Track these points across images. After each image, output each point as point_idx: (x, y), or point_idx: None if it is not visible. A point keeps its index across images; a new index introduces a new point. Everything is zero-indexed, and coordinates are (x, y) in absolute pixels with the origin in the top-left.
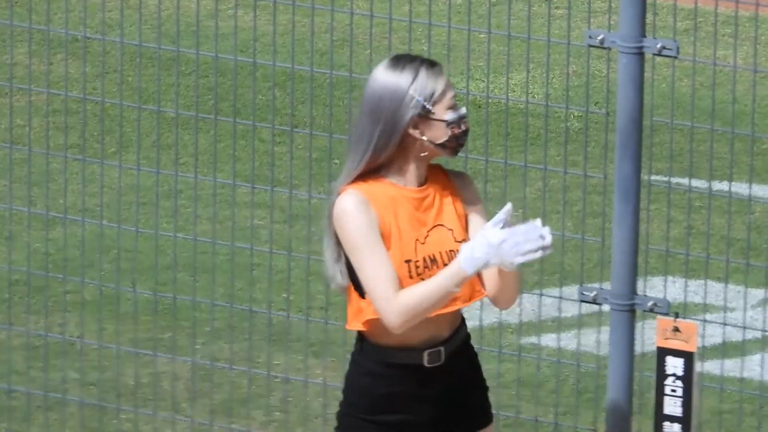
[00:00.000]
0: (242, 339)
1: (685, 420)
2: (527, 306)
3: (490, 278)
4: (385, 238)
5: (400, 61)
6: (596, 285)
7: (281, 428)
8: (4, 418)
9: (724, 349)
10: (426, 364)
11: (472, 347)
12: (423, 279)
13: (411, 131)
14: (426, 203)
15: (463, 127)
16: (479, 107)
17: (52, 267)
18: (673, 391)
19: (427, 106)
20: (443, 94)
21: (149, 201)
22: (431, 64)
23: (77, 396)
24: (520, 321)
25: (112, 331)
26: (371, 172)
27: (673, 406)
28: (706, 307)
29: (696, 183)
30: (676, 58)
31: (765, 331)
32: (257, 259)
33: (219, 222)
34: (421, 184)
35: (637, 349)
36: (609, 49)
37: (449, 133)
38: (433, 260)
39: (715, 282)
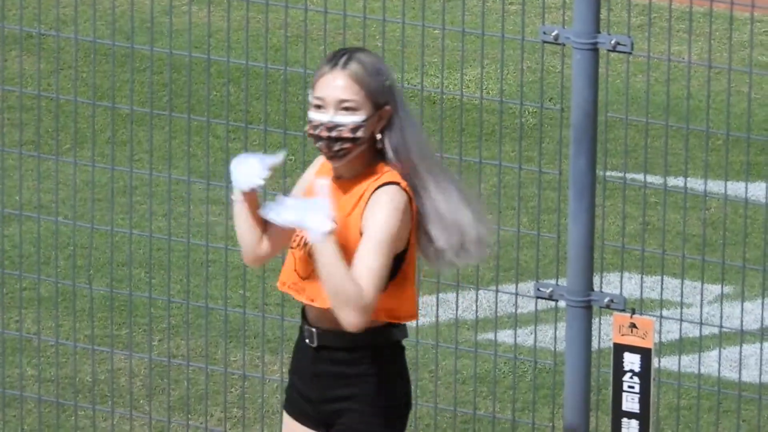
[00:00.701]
0: (199, 335)
1: (642, 416)
2: (483, 302)
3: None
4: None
5: (336, 51)
6: (552, 281)
7: (238, 424)
8: None
9: (681, 345)
10: (305, 338)
11: (363, 363)
12: (294, 256)
13: None
14: (335, 196)
15: (314, 131)
16: (434, 103)
17: (8, 264)
18: (631, 387)
19: (309, 95)
20: (316, 89)
21: (104, 197)
22: (341, 60)
23: (35, 393)
24: (477, 317)
25: (68, 328)
26: None
27: (630, 402)
28: (662, 303)
29: (651, 179)
30: (630, 54)
31: (722, 327)
32: (213, 255)
33: (174, 218)
34: (343, 179)
35: (594, 345)
36: (563, 45)
37: (308, 131)
38: (304, 244)
39: (672, 278)
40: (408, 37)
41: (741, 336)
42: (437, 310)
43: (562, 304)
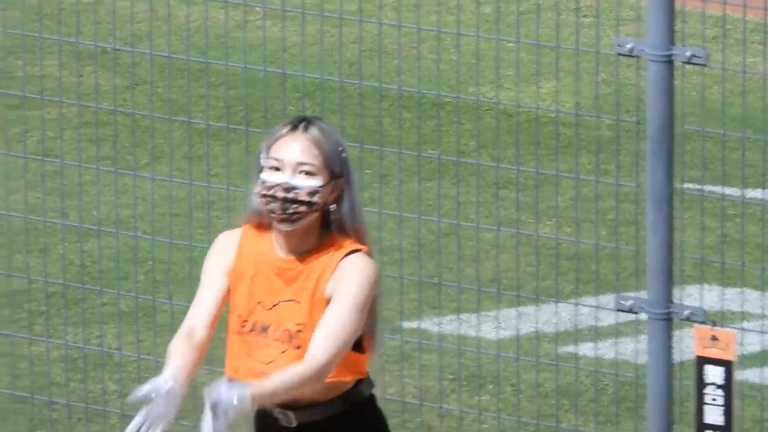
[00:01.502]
0: None
1: (726, 429)
2: (564, 315)
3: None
4: (232, 280)
5: (296, 118)
6: (632, 294)
7: None
8: (47, 430)
9: (764, 357)
10: (280, 422)
11: (346, 428)
12: (249, 342)
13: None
14: (289, 274)
15: (269, 192)
16: (510, 116)
17: (87, 279)
18: (714, 399)
19: (261, 157)
20: (274, 149)
21: (182, 212)
22: (301, 124)
23: (117, 408)
24: (557, 330)
25: (149, 343)
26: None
27: (714, 415)
28: (743, 315)
29: (728, 191)
30: (705, 66)
31: None
32: None
33: None
34: (296, 252)
35: (676, 357)
36: (638, 57)
37: (260, 191)
38: (265, 329)
39: (752, 290)
40: (483, 51)
41: None
42: (517, 323)
43: (642, 316)
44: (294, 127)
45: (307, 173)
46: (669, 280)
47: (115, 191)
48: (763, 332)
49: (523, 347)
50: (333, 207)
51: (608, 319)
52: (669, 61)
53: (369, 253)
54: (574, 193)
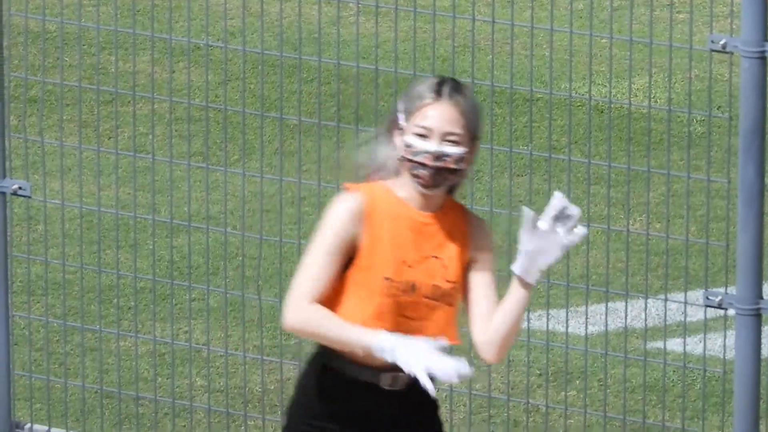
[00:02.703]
0: None
1: None
2: (652, 311)
3: (485, 322)
4: (362, 249)
5: (438, 80)
6: (721, 289)
7: None
8: (133, 425)
9: None
10: (382, 385)
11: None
12: (399, 302)
13: (394, 141)
14: (428, 230)
15: (416, 158)
16: (602, 112)
17: (177, 274)
18: None
19: (401, 118)
20: (421, 116)
21: (273, 208)
22: (446, 90)
23: (204, 403)
24: (646, 326)
25: (237, 338)
26: (383, 178)
27: None
28: None
29: None
30: None
31: None
32: None
33: None
34: (428, 210)
35: (764, 353)
36: (731, 53)
37: (406, 155)
38: (414, 288)
39: None
40: (575, 46)
41: None
42: (606, 318)
43: (731, 312)
44: (438, 93)
45: (453, 141)
46: (758, 276)
47: (206, 187)
48: None
49: (611, 343)
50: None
51: (697, 314)
52: (762, 57)
53: None
54: (665, 189)
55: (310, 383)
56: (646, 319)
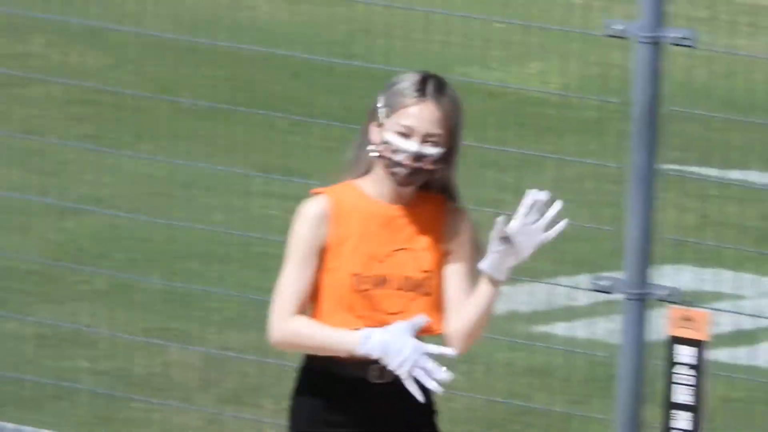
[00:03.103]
0: (254, 328)
1: (696, 408)
2: (539, 295)
3: (455, 313)
4: (330, 250)
5: (421, 78)
6: (610, 274)
7: None
8: (16, 407)
9: (736, 338)
10: (371, 379)
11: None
12: (372, 296)
13: (369, 134)
14: (397, 223)
15: (396, 157)
16: (495, 97)
17: (65, 257)
18: (683, 379)
19: (381, 115)
20: (403, 115)
21: (163, 191)
22: (430, 90)
23: (88, 385)
24: (532, 310)
25: (123, 321)
26: (357, 171)
27: (684, 394)
28: (718, 296)
29: (710, 171)
30: (693, 47)
31: None
32: (270, 248)
33: (232, 212)
34: (399, 203)
35: (650, 337)
36: (627, 38)
37: (384, 153)
38: (385, 281)
39: (728, 270)
40: (471, 31)
41: None
42: None
43: (617, 296)
44: (422, 92)
45: (433, 143)
46: (647, 261)
47: (97, 169)
48: (736, 312)
49: (498, 326)
50: (446, 166)
51: (584, 299)
52: (657, 43)
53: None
54: (556, 174)
55: (303, 389)
56: (532, 303)
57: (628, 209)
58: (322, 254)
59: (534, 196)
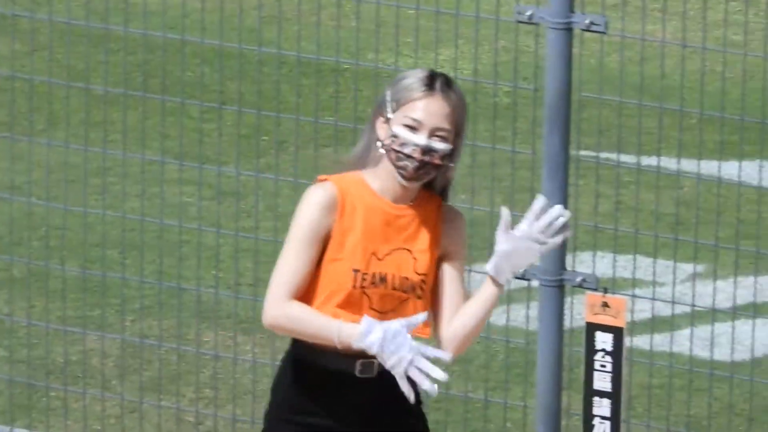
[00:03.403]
0: (171, 316)
1: (614, 395)
2: None
3: (450, 316)
4: (332, 240)
5: (429, 73)
6: None
7: (210, 405)
8: None
9: (654, 324)
10: (357, 373)
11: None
12: (366, 294)
13: (376, 129)
14: (400, 222)
15: (405, 150)
16: None
17: None
18: (603, 366)
19: (388, 109)
20: (412, 108)
21: (78, 178)
22: (438, 85)
23: (6, 374)
24: None
25: (41, 309)
26: (362, 167)
27: (602, 381)
28: (635, 282)
29: (624, 158)
30: (604, 33)
31: (694, 305)
32: (186, 236)
33: (147, 199)
34: (402, 202)
35: (567, 324)
36: (538, 24)
37: (392, 146)
38: (383, 279)
39: (644, 257)
40: (383, 17)
41: (713, 315)
42: None
43: (534, 283)
44: (431, 87)
45: (441, 138)
46: (562, 248)
47: (11, 157)
48: (653, 299)
49: None
50: (451, 165)
51: None
52: (568, 29)
53: None
54: (470, 160)
55: (287, 379)
56: None
57: (542, 195)
58: (324, 241)
59: (543, 200)
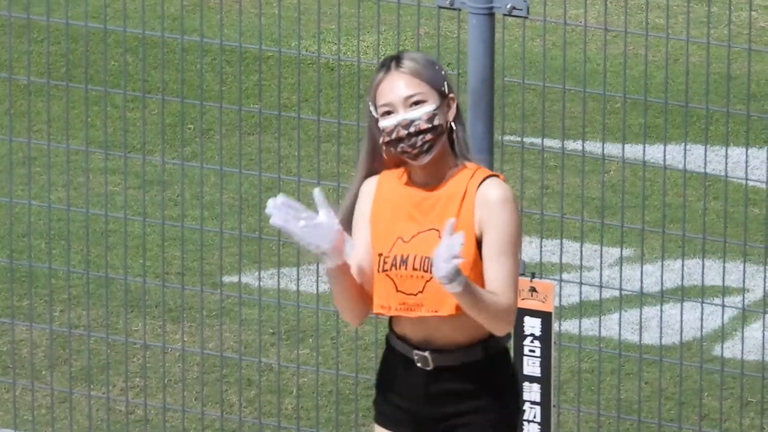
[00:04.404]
0: (99, 305)
1: (544, 380)
2: None
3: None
4: (370, 226)
5: (382, 61)
6: None
7: (141, 394)
8: None
9: (582, 309)
10: (416, 362)
11: (481, 376)
12: (393, 277)
13: (375, 135)
14: (427, 204)
15: (392, 137)
16: (331, 70)
17: None
18: (532, 351)
19: (373, 113)
20: (379, 96)
21: (3, 169)
22: (391, 64)
23: None
24: None
25: None
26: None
27: (531, 366)
28: (562, 267)
29: (549, 142)
30: (526, 18)
31: (622, 289)
32: (112, 225)
33: (73, 188)
34: (435, 181)
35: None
36: (459, 10)
37: (384, 140)
38: (404, 261)
39: (572, 241)
40: (305, 4)
41: (641, 299)
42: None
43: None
44: (387, 69)
45: (418, 102)
46: None
47: None
48: (581, 283)
49: None
50: (453, 126)
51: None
52: (490, 14)
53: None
54: None
55: (382, 359)
56: None
57: None
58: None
59: (452, 223)
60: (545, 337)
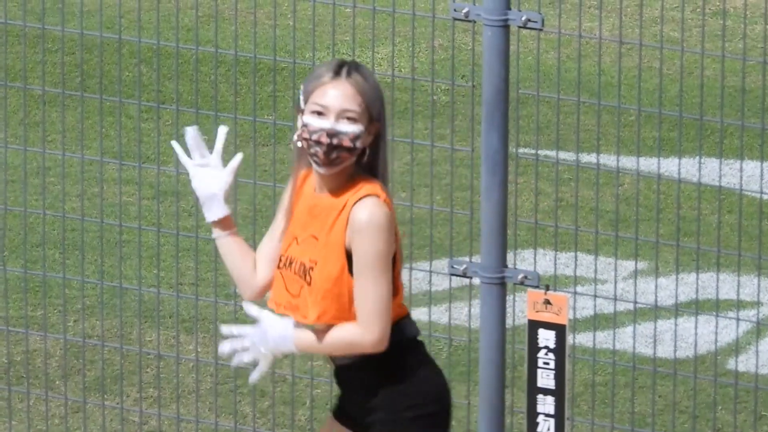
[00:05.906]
0: (113, 316)
1: (558, 392)
2: None
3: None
4: (286, 219)
5: (337, 62)
6: (466, 259)
7: (154, 404)
8: None
9: (596, 321)
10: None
11: (373, 373)
12: (282, 275)
13: (297, 123)
14: (316, 210)
15: (312, 137)
16: None
17: None
18: (546, 363)
19: (300, 101)
20: (318, 95)
21: (17, 179)
22: (344, 71)
23: None
24: None
25: None
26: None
27: (545, 378)
28: (576, 280)
29: (563, 155)
30: (541, 30)
31: (636, 303)
32: (126, 235)
33: (87, 199)
34: (325, 190)
35: (509, 321)
36: (474, 22)
37: (303, 135)
38: (291, 262)
39: (586, 254)
40: (319, 16)
41: (655, 312)
42: None
43: (476, 281)
44: (336, 73)
45: (350, 119)
46: (503, 245)
47: None
48: (595, 296)
49: None
50: (368, 151)
51: (443, 284)
52: (505, 26)
53: (387, 196)
54: (409, 158)
55: None
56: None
57: (481, 193)
58: None
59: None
60: (559, 350)
